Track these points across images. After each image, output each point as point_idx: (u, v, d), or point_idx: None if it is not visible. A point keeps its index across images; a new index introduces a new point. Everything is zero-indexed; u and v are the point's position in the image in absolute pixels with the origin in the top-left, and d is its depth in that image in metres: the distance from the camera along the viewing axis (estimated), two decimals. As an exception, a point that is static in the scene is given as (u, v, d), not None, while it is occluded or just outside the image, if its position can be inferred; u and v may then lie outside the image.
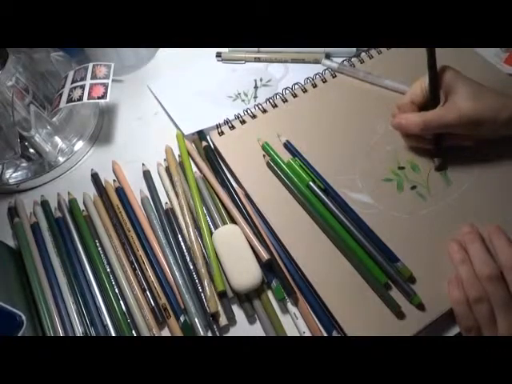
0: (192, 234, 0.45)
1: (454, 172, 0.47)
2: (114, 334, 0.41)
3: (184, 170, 0.50)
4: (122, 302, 0.43)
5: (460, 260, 0.39)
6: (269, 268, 0.43)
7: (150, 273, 0.44)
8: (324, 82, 0.55)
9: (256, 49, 0.61)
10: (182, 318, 0.42)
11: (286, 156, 0.49)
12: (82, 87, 0.52)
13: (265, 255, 0.42)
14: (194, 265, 0.44)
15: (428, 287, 0.40)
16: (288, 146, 0.50)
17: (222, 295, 0.42)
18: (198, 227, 0.46)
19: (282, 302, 0.42)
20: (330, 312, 0.40)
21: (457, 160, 0.47)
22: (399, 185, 0.46)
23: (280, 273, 0.42)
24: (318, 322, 0.40)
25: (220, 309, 0.42)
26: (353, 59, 0.57)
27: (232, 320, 0.42)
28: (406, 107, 0.46)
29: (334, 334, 0.39)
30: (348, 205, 0.45)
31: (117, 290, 0.44)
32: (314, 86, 0.55)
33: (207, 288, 0.42)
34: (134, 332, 0.42)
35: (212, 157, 0.51)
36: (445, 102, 0.44)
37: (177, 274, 0.43)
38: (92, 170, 0.53)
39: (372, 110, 0.52)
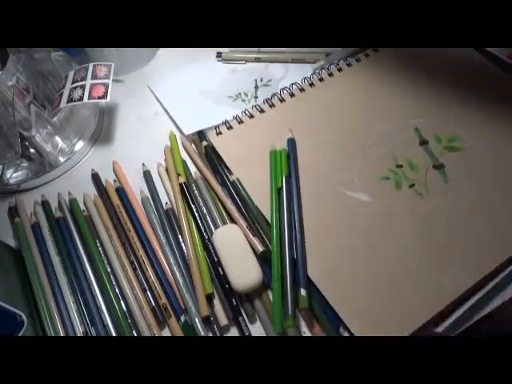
0: (188, 236, 0.45)
1: (452, 169, 0.46)
2: (114, 334, 0.42)
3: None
4: (122, 301, 0.43)
5: None
6: (269, 268, 0.43)
7: (150, 273, 0.44)
8: (321, 81, 0.55)
9: (256, 49, 0.61)
10: (182, 318, 0.42)
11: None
12: (83, 87, 0.52)
13: (260, 247, 0.43)
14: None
15: (425, 283, 0.40)
16: (289, 143, 0.50)
17: (227, 295, 0.42)
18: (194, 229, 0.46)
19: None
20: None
21: (454, 158, 0.47)
22: (397, 183, 0.46)
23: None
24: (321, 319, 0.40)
25: (221, 309, 0.42)
26: (349, 58, 0.57)
27: (232, 320, 0.42)
28: None
29: (341, 331, 0.39)
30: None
31: (117, 290, 0.44)
32: (312, 85, 0.55)
33: (198, 291, 0.42)
34: (134, 332, 0.42)
35: (212, 157, 0.51)
36: None
37: (177, 273, 0.44)
38: (92, 170, 0.53)
39: (370, 109, 0.52)
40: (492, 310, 0.39)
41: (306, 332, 0.41)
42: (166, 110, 0.57)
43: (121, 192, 0.50)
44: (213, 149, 0.52)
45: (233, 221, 0.46)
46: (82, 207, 0.50)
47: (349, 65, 0.56)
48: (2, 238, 0.47)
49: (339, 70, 0.56)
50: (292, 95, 0.55)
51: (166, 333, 0.42)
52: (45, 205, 0.50)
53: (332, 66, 0.56)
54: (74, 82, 0.52)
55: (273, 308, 0.40)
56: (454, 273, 0.40)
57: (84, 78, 0.52)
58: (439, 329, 0.39)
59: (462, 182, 0.46)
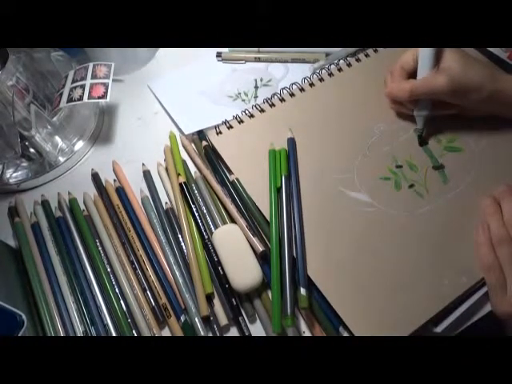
0: (188, 235, 0.46)
1: (451, 170, 0.47)
2: (114, 334, 0.42)
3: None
4: (122, 301, 0.43)
5: (491, 212, 0.41)
6: (269, 267, 0.43)
7: (150, 272, 0.44)
8: (321, 81, 0.55)
9: (256, 49, 0.61)
10: (182, 318, 0.42)
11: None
12: (83, 87, 0.52)
13: (259, 247, 0.43)
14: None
15: (425, 283, 0.40)
16: (289, 143, 0.50)
17: (227, 294, 0.42)
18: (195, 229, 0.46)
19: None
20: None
21: (454, 158, 0.47)
22: (397, 183, 0.46)
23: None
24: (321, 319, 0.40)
25: (221, 309, 0.42)
26: (349, 58, 0.57)
27: (232, 320, 0.42)
28: (397, 72, 0.48)
29: (341, 330, 0.39)
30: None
31: (117, 290, 0.44)
32: (312, 85, 0.55)
33: (198, 291, 0.42)
34: (134, 332, 0.42)
35: (212, 157, 0.51)
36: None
37: (177, 273, 0.44)
38: (92, 169, 0.53)
39: (370, 109, 0.52)
40: (492, 309, 0.39)
41: (305, 332, 0.41)
42: (165, 110, 0.57)
43: (121, 192, 0.50)
44: (213, 148, 0.52)
45: (233, 220, 0.46)
46: (82, 207, 0.50)
47: (349, 65, 0.56)
48: (2, 238, 0.47)
49: (339, 69, 0.56)
50: (292, 95, 0.55)
51: (166, 333, 0.42)
52: (45, 204, 0.50)
53: (332, 65, 0.56)
54: (73, 82, 0.52)
55: (272, 307, 0.40)
56: (454, 273, 0.40)
57: (84, 78, 0.52)
58: (439, 329, 0.39)
59: (461, 182, 0.46)
